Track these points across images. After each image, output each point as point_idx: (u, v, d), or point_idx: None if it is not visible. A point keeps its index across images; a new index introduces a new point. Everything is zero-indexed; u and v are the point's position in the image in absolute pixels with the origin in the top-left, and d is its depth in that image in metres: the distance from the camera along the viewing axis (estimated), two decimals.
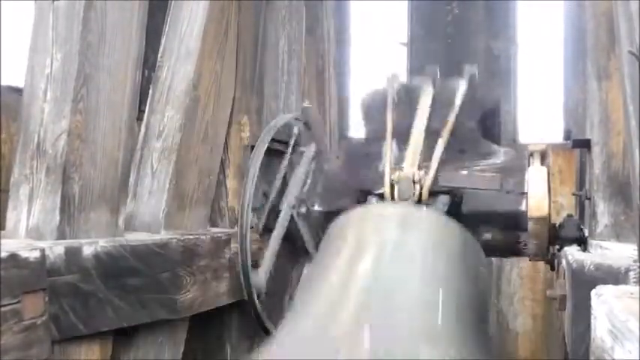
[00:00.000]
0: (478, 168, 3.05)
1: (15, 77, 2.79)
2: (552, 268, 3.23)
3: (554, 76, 5.10)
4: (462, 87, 3.25)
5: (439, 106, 3.21)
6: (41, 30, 2.43)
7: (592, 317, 1.40)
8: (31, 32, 2.46)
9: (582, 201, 3.38)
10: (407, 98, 3.32)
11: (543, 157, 2.99)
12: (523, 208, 2.93)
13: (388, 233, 2.37)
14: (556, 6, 5.09)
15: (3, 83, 3.01)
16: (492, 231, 3.03)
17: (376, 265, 2.18)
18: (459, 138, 3.12)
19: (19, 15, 2.88)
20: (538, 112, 5.45)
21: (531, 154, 3.01)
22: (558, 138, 5.06)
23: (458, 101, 3.19)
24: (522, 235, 3.02)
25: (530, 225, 2.87)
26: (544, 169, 2.96)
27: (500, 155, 3.14)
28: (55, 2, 2.40)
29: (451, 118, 3.13)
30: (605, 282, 1.84)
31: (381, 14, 5.71)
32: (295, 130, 3.40)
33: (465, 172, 3.03)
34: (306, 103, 3.60)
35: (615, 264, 1.94)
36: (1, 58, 2.61)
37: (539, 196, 2.87)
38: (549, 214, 2.87)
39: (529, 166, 2.99)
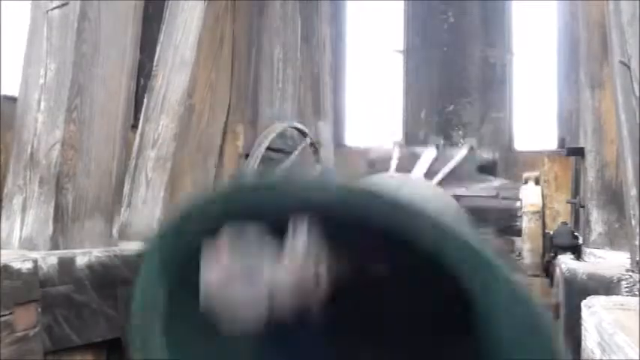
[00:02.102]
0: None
1: (12, 87, 2.80)
2: (547, 276, 3.24)
3: (549, 84, 5.13)
4: (461, 152, 3.65)
5: (441, 161, 3.56)
6: (35, 41, 2.43)
7: (582, 328, 1.40)
8: (26, 43, 2.47)
9: (577, 208, 3.39)
10: (410, 157, 3.65)
11: (537, 181, 3.19)
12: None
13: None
14: (550, 16, 5.12)
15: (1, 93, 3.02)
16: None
17: None
18: (458, 175, 3.45)
19: (16, 25, 2.89)
20: (534, 120, 5.47)
21: (526, 181, 3.20)
22: (553, 145, 5.07)
23: (457, 158, 3.57)
24: (517, 241, 3.05)
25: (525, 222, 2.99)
26: (538, 187, 3.11)
27: (496, 182, 3.46)
28: (50, 13, 2.40)
29: (451, 163, 3.49)
30: (597, 291, 1.85)
31: (377, 22, 5.73)
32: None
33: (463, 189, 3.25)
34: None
35: (607, 273, 1.94)
36: (0, 69, 2.61)
37: (532, 196, 3.00)
38: (543, 223, 2.87)
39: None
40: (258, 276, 1.17)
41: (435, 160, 3.58)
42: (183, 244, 1.84)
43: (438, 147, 3.74)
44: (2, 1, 2.75)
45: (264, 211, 1.37)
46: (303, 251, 1.23)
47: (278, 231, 1.31)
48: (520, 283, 1.46)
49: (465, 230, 1.49)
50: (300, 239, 1.24)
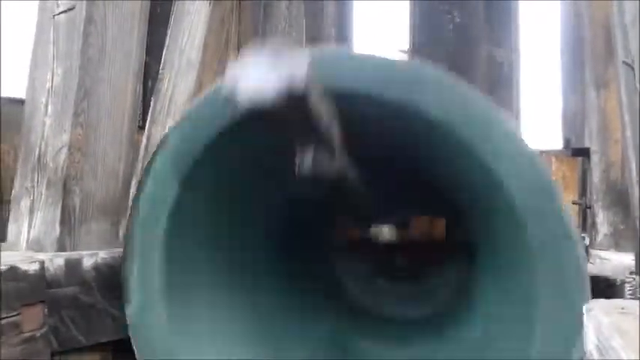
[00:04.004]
0: None
1: (20, 89, 2.83)
2: None
3: (554, 83, 5.11)
4: None
5: None
6: (42, 44, 2.47)
7: (583, 331, 1.40)
8: (32, 47, 2.50)
9: (583, 209, 3.38)
10: None
11: None
12: None
13: None
14: (555, 15, 5.10)
15: (10, 96, 3.05)
16: None
17: None
18: None
19: (24, 28, 2.92)
20: (539, 119, 5.45)
21: None
22: (559, 145, 5.05)
23: None
24: None
25: None
26: None
27: None
28: (56, 17, 2.43)
29: None
30: (600, 294, 1.84)
31: (383, 22, 5.73)
32: None
33: None
34: None
35: (611, 276, 1.93)
36: (0, 71, 2.64)
37: None
38: None
39: None
40: (281, 57, 1.29)
41: None
42: (199, 137, 1.97)
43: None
44: (2, 2, 2.78)
45: None
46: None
47: None
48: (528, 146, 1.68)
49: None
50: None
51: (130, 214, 2.22)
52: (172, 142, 2.09)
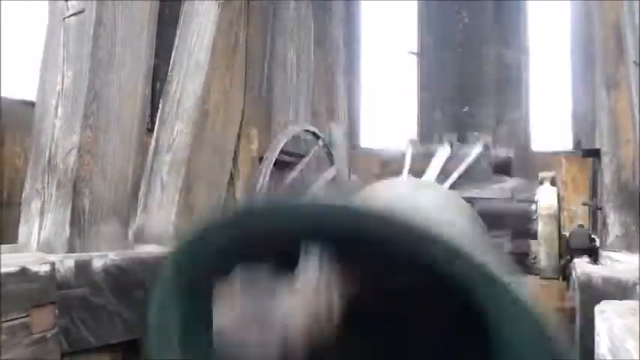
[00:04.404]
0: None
1: (32, 92, 2.84)
2: (564, 279, 3.21)
3: (564, 84, 5.07)
4: (476, 149, 3.60)
5: (455, 159, 3.55)
6: (52, 47, 2.48)
7: (595, 333, 1.39)
8: (43, 49, 2.52)
9: (594, 210, 3.36)
10: (424, 156, 3.63)
11: (553, 182, 3.16)
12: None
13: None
14: (565, 15, 5.07)
15: (21, 98, 3.08)
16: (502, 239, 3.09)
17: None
18: (472, 175, 3.45)
19: (34, 30, 2.94)
20: (550, 120, 5.42)
21: (541, 182, 3.13)
22: (570, 145, 5.02)
23: (471, 157, 3.54)
24: (533, 244, 3.04)
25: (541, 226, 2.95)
26: (554, 188, 3.09)
27: (510, 182, 3.43)
28: (66, 20, 2.45)
29: (465, 164, 3.46)
30: (612, 296, 1.83)
31: (391, 24, 5.72)
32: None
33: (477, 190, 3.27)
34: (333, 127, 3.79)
35: (623, 277, 1.92)
36: (0, 70, 2.65)
37: (547, 198, 2.98)
38: (559, 226, 2.86)
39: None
40: (272, 320, 1.16)
41: (450, 159, 3.49)
42: (195, 267, 1.89)
43: (452, 145, 3.62)
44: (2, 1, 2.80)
45: (276, 235, 1.36)
46: (315, 279, 1.22)
47: (292, 252, 1.30)
48: (538, 311, 1.41)
49: (480, 254, 1.45)
50: (312, 265, 1.23)
51: (144, 340, 2.18)
52: (166, 276, 2.02)
